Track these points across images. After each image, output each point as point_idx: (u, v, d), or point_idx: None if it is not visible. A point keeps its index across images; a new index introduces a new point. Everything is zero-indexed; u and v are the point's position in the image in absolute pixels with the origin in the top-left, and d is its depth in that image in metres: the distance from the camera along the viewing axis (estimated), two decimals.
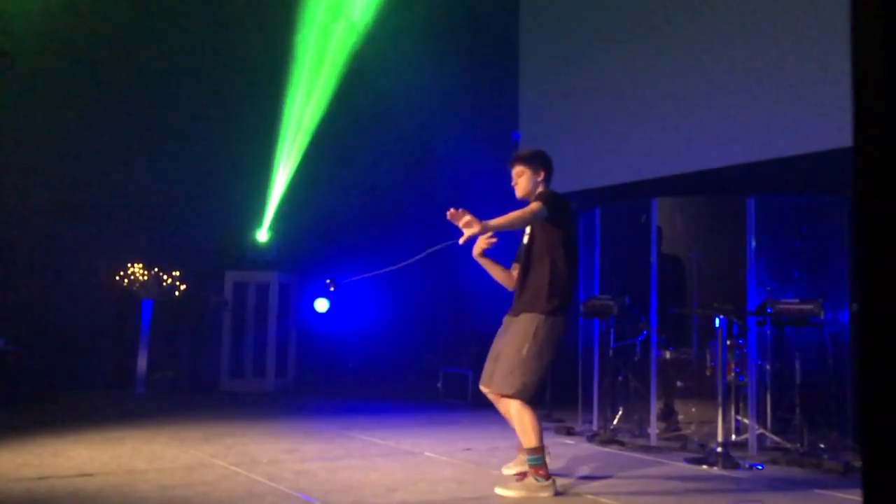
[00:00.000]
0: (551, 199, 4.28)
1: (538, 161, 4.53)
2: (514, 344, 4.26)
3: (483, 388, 4.56)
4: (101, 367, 9.35)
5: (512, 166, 4.56)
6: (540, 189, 4.47)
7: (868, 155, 1.21)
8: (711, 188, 8.41)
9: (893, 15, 1.18)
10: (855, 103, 1.23)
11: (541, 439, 4.18)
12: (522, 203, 4.42)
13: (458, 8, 11.14)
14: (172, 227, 9.86)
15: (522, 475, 4.23)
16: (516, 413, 4.21)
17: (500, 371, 4.28)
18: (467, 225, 3.82)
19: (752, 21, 8.30)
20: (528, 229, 4.43)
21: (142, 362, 8.97)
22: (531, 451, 4.17)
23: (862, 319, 1.21)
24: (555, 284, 4.28)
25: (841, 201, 6.08)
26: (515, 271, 4.61)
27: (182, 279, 9.27)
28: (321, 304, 10.51)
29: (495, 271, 4.69)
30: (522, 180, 4.49)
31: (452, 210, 3.84)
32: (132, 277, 9.00)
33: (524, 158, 4.55)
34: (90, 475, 4.48)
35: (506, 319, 4.53)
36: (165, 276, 9.15)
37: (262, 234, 10.21)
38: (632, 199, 7.16)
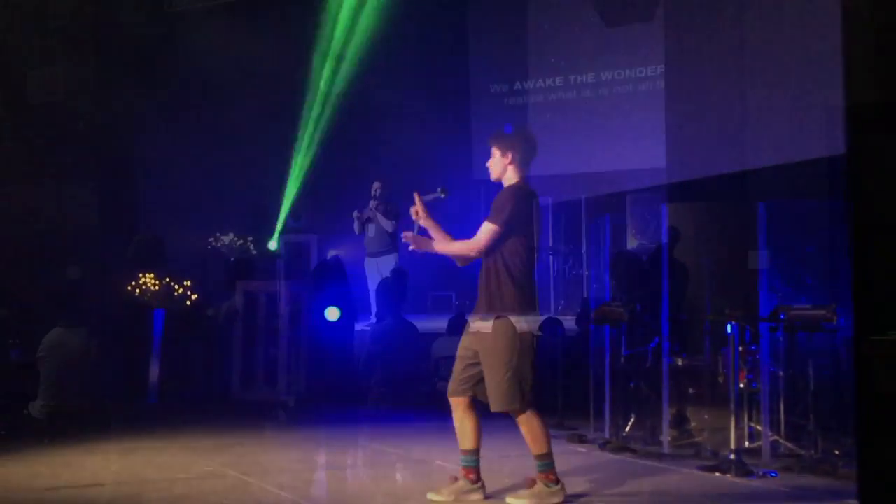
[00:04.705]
0: (507, 210, 4.15)
1: (505, 141, 4.33)
2: (500, 357, 4.10)
3: (459, 398, 4.30)
4: (112, 377, 9.35)
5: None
6: (508, 174, 4.29)
7: (859, 160, 1.21)
8: (722, 193, 8.36)
9: (882, 26, 1.18)
10: (847, 109, 1.23)
11: (549, 444, 4.16)
12: (498, 185, 4.35)
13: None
14: (182, 237, 9.88)
15: (532, 481, 4.21)
16: (525, 421, 4.15)
17: (497, 389, 4.12)
18: (416, 241, 4.09)
19: (764, 24, 8.28)
20: None
21: (153, 372, 8.98)
22: (541, 456, 4.15)
23: (856, 324, 1.20)
24: (522, 285, 4.17)
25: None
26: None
27: (193, 289, 9.29)
28: (332, 313, 10.50)
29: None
30: (491, 163, 4.34)
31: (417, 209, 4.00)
32: (143, 287, 9.02)
33: (492, 138, 4.37)
34: (102, 485, 4.49)
35: (473, 323, 4.30)
36: (176, 286, 9.17)
37: (273, 243, 10.22)
38: (641, 205, 7.14)
